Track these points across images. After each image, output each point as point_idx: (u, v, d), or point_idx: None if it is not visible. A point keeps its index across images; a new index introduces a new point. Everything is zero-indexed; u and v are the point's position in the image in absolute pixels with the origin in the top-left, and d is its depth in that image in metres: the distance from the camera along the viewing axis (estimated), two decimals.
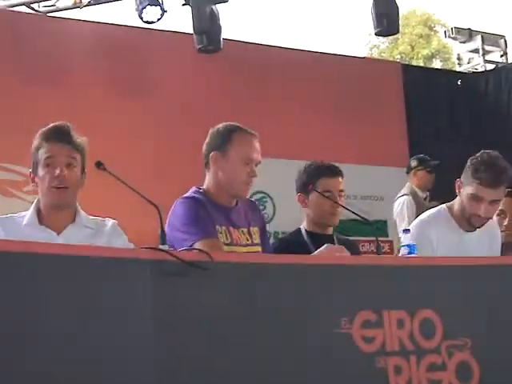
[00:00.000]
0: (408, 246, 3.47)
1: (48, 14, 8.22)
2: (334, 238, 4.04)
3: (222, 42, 7.77)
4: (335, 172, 4.07)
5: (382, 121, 9.30)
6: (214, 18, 7.63)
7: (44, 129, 3.21)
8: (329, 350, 2.86)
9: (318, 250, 3.52)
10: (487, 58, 10.64)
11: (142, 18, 7.66)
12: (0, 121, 7.07)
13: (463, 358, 3.08)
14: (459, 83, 10.44)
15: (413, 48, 25.45)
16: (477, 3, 28.80)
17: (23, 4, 8.25)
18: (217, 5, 7.70)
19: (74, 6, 8.29)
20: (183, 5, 7.83)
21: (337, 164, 4.20)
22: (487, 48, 10.63)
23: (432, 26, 26.21)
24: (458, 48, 11.45)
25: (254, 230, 3.64)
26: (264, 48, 9.13)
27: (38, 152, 3.16)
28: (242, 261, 2.96)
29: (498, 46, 10.68)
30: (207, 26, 7.58)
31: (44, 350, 2.41)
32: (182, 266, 2.62)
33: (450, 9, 32.51)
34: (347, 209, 3.92)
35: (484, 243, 3.96)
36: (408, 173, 7.31)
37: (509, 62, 10.61)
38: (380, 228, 8.41)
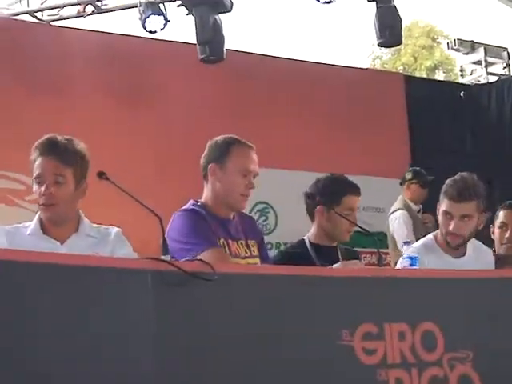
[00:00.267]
0: (410, 257, 3.45)
1: (52, 23, 8.22)
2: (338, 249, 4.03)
3: (224, 52, 7.76)
4: (359, 191, 4.06)
5: (384, 132, 9.30)
6: (217, 28, 7.63)
7: (38, 141, 3.22)
8: (330, 362, 2.85)
9: (335, 266, 3.50)
10: (490, 69, 10.67)
11: (145, 28, 7.68)
12: (2, 129, 7.08)
13: (465, 370, 3.07)
14: (462, 95, 10.46)
15: (415, 59, 25.46)
16: (480, 15, 28.83)
17: (27, 13, 8.26)
18: (220, 15, 7.71)
19: (78, 15, 8.30)
20: (187, 14, 7.85)
21: None
22: (490, 60, 10.65)
23: (435, 37, 26.22)
24: (460, 60, 11.46)
25: (252, 242, 3.65)
26: (267, 58, 9.14)
27: (34, 166, 3.19)
28: (244, 272, 2.96)
29: (500, 57, 10.70)
30: (210, 35, 7.58)
31: (44, 360, 2.40)
32: (183, 277, 2.62)
33: (453, 20, 32.53)
34: (357, 225, 3.93)
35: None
36: (402, 184, 7.22)
37: (511, 74, 10.63)
38: (381, 239, 8.38)
